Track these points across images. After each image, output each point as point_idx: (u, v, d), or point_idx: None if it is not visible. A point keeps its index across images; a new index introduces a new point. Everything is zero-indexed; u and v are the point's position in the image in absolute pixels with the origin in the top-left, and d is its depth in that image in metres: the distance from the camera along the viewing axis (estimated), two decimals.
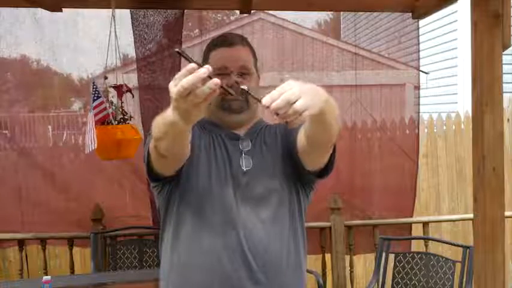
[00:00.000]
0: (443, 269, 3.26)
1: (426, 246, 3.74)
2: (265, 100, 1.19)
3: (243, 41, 1.72)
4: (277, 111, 1.18)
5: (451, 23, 7.53)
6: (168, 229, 1.65)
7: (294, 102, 1.18)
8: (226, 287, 1.54)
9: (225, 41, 1.68)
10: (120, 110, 2.86)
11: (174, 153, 1.45)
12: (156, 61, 3.53)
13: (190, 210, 1.59)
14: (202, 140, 1.65)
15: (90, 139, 2.52)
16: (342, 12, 5.66)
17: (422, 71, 4.27)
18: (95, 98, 2.70)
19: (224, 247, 1.54)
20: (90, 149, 2.53)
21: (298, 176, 1.63)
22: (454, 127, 4.60)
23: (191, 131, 1.44)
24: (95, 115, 2.66)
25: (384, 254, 3.52)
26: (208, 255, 1.55)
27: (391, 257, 3.50)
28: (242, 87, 1.42)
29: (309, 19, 4.66)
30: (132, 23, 3.44)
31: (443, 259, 3.30)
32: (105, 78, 2.89)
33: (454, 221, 4.42)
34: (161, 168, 1.54)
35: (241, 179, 1.60)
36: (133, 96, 3.03)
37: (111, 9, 2.89)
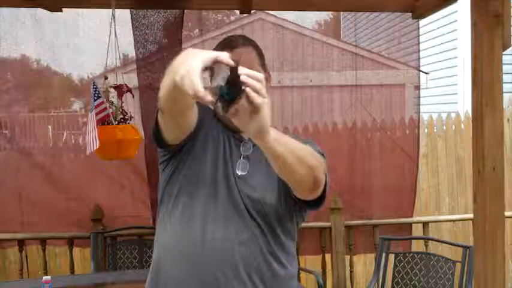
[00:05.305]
0: (443, 269, 3.26)
1: (426, 246, 3.75)
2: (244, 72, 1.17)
3: (246, 41, 1.69)
4: (246, 80, 1.16)
5: (451, 23, 7.54)
6: (163, 212, 1.67)
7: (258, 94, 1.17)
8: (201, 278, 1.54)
9: (226, 44, 1.65)
10: (120, 110, 2.85)
11: (174, 110, 1.44)
12: (156, 61, 3.53)
13: (183, 199, 1.60)
14: (210, 134, 1.64)
15: (92, 139, 2.52)
16: (342, 12, 5.65)
17: (422, 71, 4.27)
18: (95, 98, 2.70)
19: (188, 239, 1.55)
20: (92, 149, 2.53)
21: (290, 194, 1.58)
22: (454, 127, 4.60)
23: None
24: (96, 115, 2.66)
25: (383, 254, 3.52)
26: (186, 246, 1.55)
27: (391, 257, 3.50)
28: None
29: (309, 19, 4.66)
30: (132, 23, 3.44)
31: (443, 259, 3.30)
32: (105, 78, 2.89)
33: (454, 221, 4.43)
34: (164, 129, 1.53)
35: (234, 182, 1.59)
36: (133, 96, 3.03)
37: (111, 9, 2.90)
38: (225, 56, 1.18)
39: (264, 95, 1.18)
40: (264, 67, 1.68)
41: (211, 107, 1.19)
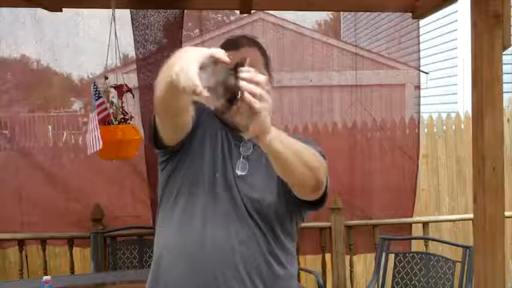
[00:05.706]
0: (443, 269, 3.26)
1: (426, 246, 3.75)
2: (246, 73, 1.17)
3: (250, 41, 1.68)
4: (246, 83, 1.16)
5: (451, 23, 7.54)
6: (162, 212, 1.66)
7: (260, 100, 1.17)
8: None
9: (231, 44, 1.64)
10: (121, 110, 2.86)
11: (170, 110, 1.43)
12: (156, 61, 3.53)
13: (183, 199, 1.60)
14: (208, 133, 1.64)
15: (94, 139, 2.52)
16: (342, 12, 5.67)
17: (423, 71, 4.27)
18: (96, 98, 2.71)
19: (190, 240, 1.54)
20: (96, 149, 2.53)
21: (289, 194, 1.56)
22: (454, 127, 4.60)
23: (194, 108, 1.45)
24: (97, 115, 2.66)
25: (383, 254, 3.52)
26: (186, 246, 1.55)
27: (391, 257, 3.51)
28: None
29: (309, 19, 4.67)
30: (132, 23, 3.44)
31: (443, 259, 3.30)
32: (106, 78, 2.89)
33: (454, 221, 4.42)
34: (162, 130, 1.53)
35: (233, 182, 1.58)
36: (133, 96, 3.03)
37: (111, 9, 2.90)
38: (220, 53, 1.18)
39: (262, 98, 1.18)
40: (267, 67, 1.67)
41: (210, 106, 1.19)
